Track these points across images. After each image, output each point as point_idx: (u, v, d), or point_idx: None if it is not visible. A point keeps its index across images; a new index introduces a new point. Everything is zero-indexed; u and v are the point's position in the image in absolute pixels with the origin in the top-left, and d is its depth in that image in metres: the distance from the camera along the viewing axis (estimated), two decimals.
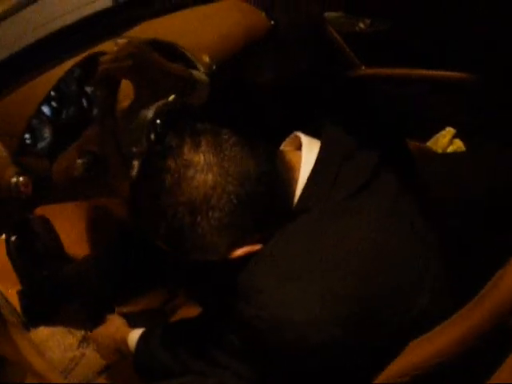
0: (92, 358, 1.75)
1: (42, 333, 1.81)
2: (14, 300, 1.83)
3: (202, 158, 1.02)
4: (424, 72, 2.14)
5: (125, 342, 1.46)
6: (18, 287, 1.86)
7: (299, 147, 1.15)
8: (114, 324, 1.57)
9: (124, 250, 1.78)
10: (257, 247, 1.08)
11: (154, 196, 1.03)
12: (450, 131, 2.21)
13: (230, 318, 1.11)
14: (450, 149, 2.20)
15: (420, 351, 1.08)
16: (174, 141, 1.04)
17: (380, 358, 1.06)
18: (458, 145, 2.20)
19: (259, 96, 1.66)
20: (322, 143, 1.12)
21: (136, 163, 1.35)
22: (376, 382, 1.12)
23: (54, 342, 1.79)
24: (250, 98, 1.63)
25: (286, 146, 1.21)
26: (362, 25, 2.26)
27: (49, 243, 1.91)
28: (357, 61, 2.25)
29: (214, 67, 1.92)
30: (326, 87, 1.51)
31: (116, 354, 1.53)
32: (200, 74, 1.32)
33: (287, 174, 1.09)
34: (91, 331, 1.78)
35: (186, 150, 1.02)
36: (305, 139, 1.14)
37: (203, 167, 1.01)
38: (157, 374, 1.34)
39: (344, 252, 1.04)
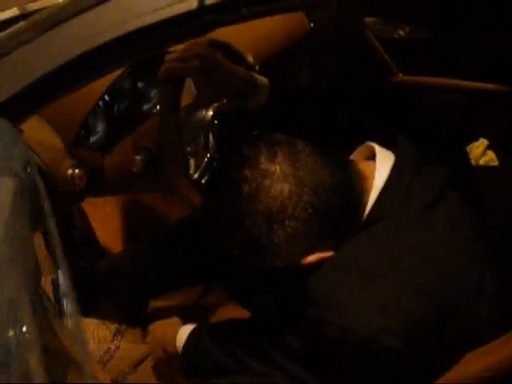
0: (127, 351, 1.76)
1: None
2: (49, 289, 1.83)
3: (278, 168, 1.03)
4: (459, 82, 2.15)
5: (173, 339, 1.47)
6: (53, 276, 1.87)
7: (371, 157, 1.16)
8: (171, 323, 1.58)
9: (163, 247, 1.79)
10: (329, 254, 1.09)
11: (232, 204, 1.04)
12: (483, 142, 2.22)
13: (295, 323, 1.13)
14: (483, 160, 2.21)
15: (477, 364, 1.09)
16: (250, 151, 1.05)
17: (437, 369, 1.08)
18: (491, 156, 2.21)
19: (299, 98, 1.67)
20: (396, 156, 1.14)
21: (192, 161, 1.37)
22: None
23: (89, 334, 1.79)
24: (290, 100, 1.64)
25: (357, 155, 1.22)
26: (401, 32, 2.27)
27: (85, 234, 1.93)
28: (394, 67, 2.25)
29: (257, 67, 1.94)
30: (360, 91, 1.51)
31: (162, 352, 1.53)
32: (261, 77, 1.33)
33: (360, 183, 1.11)
34: (125, 324, 1.79)
35: (262, 159, 1.04)
36: (379, 149, 1.15)
37: (279, 177, 1.03)
38: (206, 372, 1.35)
39: (414, 266, 1.06)
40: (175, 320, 1.56)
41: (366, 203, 1.10)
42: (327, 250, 1.10)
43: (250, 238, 1.05)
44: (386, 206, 1.09)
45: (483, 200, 1.24)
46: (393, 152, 1.15)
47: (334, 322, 1.04)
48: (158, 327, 1.58)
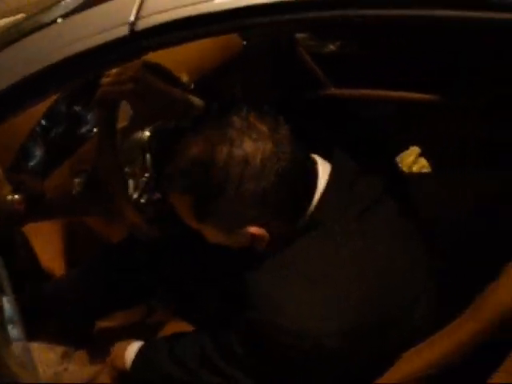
0: (75, 373, 1.77)
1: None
2: None
3: (266, 128, 1.08)
4: (390, 93, 2.21)
5: (121, 356, 1.49)
6: None
7: None
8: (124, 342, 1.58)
9: (103, 268, 1.79)
10: (265, 235, 1.12)
11: (211, 144, 1.06)
12: (414, 150, 2.29)
13: (238, 327, 1.16)
14: (416, 167, 2.28)
15: (410, 363, 1.14)
16: (243, 109, 1.09)
17: (375, 369, 1.13)
18: (423, 163, 2.28)
19: None
20: (333, 166, 1.18)
21: (131, 183, 1.39)
22: None
23: (36, 358, 1.78)
24: None
25: None
26: (331, 46, 2.33)
27: (27, 259, 1.92)
28: (327, 81, 2.31)
29: (192, 86, 1.97)
30: (294, 105, 1.55)
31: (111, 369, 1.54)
32: (196, 98, 1.37)
33: (313, 178, 1.15)
34: (73, 346, 1.80)
35: (252, 117, 1.08)
36: (317, 157, 1.20)
37: (266, 136, 1.07)
38: None
39: (354, 274, 1.10)
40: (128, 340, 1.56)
41: (312, 198, 1.14)
42: (266, 229, 1.12)
43: (214, 181, 1.07)
44: (326, 212, 1.13)
45: (417, 207, 1.30)
46: (330, 162, 1.19)
47: (282, 327, 1.07)
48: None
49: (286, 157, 1.08)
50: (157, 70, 1.49)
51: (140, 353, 1.45)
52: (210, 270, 1.52)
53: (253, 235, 1.12)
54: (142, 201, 1.39)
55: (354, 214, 1.14)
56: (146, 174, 1.40)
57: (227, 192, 1.07)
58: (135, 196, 1.39)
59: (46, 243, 2.02)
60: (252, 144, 1.06)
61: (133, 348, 1.47)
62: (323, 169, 1.17)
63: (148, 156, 1.40)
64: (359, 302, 1.09)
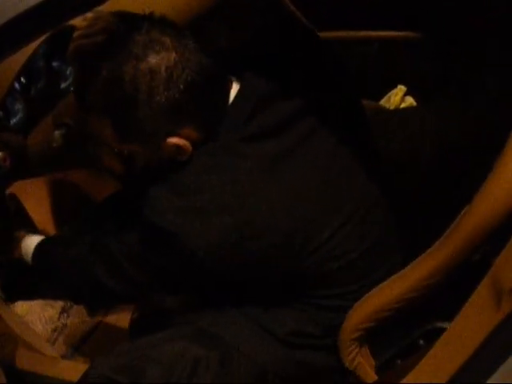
0: (74, 328, 1.79)
1: (21, 307, 1.83)
2: None
3: (169, 40, 1.11)
4: (372, 33, 2.20)
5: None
6: None
7: None
8: None
9: (91, 225, 1.81)
10: (187, 144, 1.16)
11: (118, 63, 1.10)
12: (401, 89, 2.29)
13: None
14: (402, 106, 2.28)
15: (390, 289, 1.17)
16: (144, 25, 1.12)
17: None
18: (410, 101, 2.28)
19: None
20: (241, 84, 1.21)
21: None
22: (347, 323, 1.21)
23: (34, 316, 1.81)
24: None
25: None
26: None
27: (20, 220, 1.93)
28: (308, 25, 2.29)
29: None
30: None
31: None
32: None
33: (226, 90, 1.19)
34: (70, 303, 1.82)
35: (153, 33, 1.11)
36: (234, 78, 1.23)
37: (169, 46, 1.10)
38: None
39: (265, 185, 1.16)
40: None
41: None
42: (187, 138, 1.16)
43: (126, 100, 1.11)
44: (227, 125, 1.18)
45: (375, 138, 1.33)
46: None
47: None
48: None
49: (192, 66, 1.12)
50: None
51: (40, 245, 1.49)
52: None
53: (177, 146, 1.16)
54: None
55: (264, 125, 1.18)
56: None
57: (140, 105, 1.11)
58: None
59: (37, 203, 2.03)
60: (155, 55, 1.09)
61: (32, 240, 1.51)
62: (236, 87, 1.21)
63: None
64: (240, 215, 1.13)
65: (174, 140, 1.16)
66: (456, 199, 1.12)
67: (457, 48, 1.93)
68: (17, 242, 1.55)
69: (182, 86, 1.11)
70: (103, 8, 1.30)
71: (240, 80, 1.22)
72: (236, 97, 1.20)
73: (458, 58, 1.94)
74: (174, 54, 1.10)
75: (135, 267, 1.24)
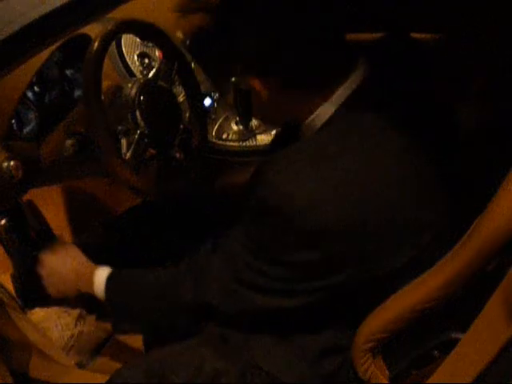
0: (90, 335, 1.80)
1: (38, 314, 1.84)
2: (9, 285, 1.85)
3: None
4: None
5: (87, 278, 1.42)
6: (12, 271, 1.89)
7: None
8: (70, 254, 1.51)
9: (112, 238, 1.81)
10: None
11: None
12: None
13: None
14: None
15: (404, 300, 1.15)
16: None
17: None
18: None
19: None
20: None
21: (124, 141, 1.39)
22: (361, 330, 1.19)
23: (51, 323, 1.83)
24: None
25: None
26: None
27: (37, 226, 1.94)
28: None
29: (188, 42, 1.96)
30: None
31: (74, 290, 1.49)
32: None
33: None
34: (86, 310, 1.82)
35: None
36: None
37: None
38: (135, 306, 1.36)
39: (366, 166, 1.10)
40: (69, 248, 1.52)
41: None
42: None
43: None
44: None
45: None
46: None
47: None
48: (52, 262, 1.53)
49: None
50: (140, 26, 1.47)
51: (113, 275, 1.40)
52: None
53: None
54: (136, 158, 1.39)
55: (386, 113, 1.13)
56: (138, 131, 1.40)
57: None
58: (129, 155, 1.39)
59: (56, 210, 2.04)
60: None
61: (101, 272, 1.42)
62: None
63: (137, 113, 1.40)
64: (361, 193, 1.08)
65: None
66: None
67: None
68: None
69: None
70: (113, 15, 1.31)
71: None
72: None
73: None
74: None
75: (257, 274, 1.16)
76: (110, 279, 1.39)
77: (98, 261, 1.71)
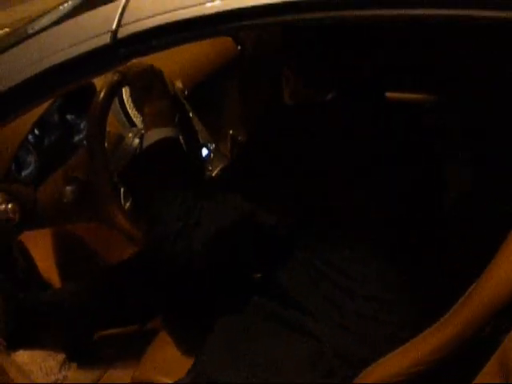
0: (75, 380, 1.78)
1: (22, 357, 1.81)
2: None
3: None
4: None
5: None
6: None
7: None
8: None
9: (105, 286, 1.80)
10: None
11: None
12: None
13: None
14: None
15: (398, 361, 1.15)
16: None
17: None
18: None
19: None
20: None
21: (123, 191, 1.40)
22: None
23: (35, 366, 1.80)
24: None
25: None
26: None
27: (25, 268, 1.93)
28: None
29: (186, 92, 1.98)
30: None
31: None
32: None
33: None
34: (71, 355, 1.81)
35: None
36: None
37: None
38: None
39: None
40: None
41: None
42: None
43: None
44: None
45: None
46: None
47: None
48: None
49: None
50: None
51: None
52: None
53: None
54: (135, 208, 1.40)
55: None
56: None
57: None
58: (128, 205, 1.39)
59: (45, 252, 2.03)
60: None
61: None
62: None
63: None
64: None
65: None
66: None
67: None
68: None
69: None
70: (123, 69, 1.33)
71: None
72: None
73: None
74: None
75: None
76: None
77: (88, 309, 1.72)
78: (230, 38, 2.31)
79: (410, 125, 1.41)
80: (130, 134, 1.47)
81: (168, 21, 0.98)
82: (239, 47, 2.32)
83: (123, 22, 1.01)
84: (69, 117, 1.61)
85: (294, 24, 1.08)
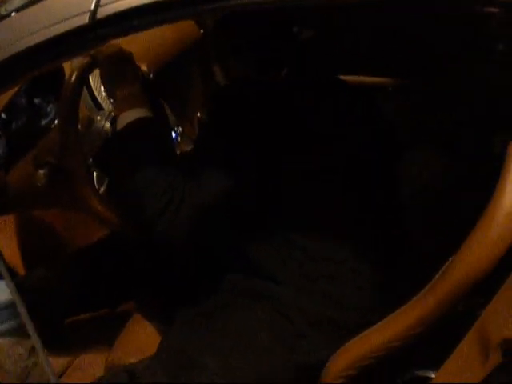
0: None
1: None
2: None
3: None
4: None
5: None
6: None
7: None
8: None
9: (75, 269, 1.79)
10: None
11: None
12: None
13: None
14: None
15: (375, 337, 1.18)
16: None
17: None
18: None
19: None
20: None
21: (96, 174, 1.39)
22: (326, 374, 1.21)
23: (3, 354, 1.78)
24: None
25: None
26: None
27: None
28: None
29: (151, 76, 1.97)
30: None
31: None
32: None
33: None
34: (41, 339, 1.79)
35: None
36: None
37: None
38: None
39: None
40: None
41: None
42: None
43: None
44: None
45: None
46: None
47: None
48: None
49: None
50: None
51: None
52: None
53: None
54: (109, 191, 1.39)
55: None
56: None
57: None
58: (102, 189, 1.39)
59: (10, 238, 2.00)
60: None
61: None
62: None
63: None
64: None
65: None
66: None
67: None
68: None
69: None
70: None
71: None
72: None
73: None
74: None
75: None
76: None
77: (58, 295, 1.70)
78: (192, 22, 2.29)
79: (364, 107, 1.46)
80: (99, 117, 1.46)
81: (148, 1, 0.97)
82: (202, 31, 2.31)
83: (102, 1, 0.99)
84: (36, 100, 1.58)
85: None
